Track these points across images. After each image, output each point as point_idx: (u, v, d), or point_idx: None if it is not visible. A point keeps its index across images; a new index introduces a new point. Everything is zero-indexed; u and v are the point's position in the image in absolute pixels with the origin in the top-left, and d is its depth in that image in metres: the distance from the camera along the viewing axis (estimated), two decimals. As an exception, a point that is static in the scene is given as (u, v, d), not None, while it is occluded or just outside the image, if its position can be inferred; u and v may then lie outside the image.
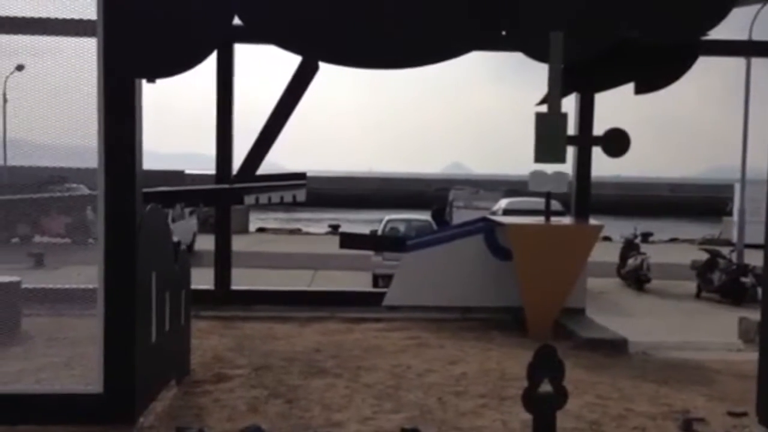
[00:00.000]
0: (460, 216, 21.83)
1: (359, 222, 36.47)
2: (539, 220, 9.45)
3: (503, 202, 21.53)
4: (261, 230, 28.30)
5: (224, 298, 9.45)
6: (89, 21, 5.50)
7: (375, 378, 6.70)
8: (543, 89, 8.60)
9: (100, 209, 5.31)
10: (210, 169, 10.01)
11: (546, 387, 5.26)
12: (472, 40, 5.38)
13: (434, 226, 18.96)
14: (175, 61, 5.28)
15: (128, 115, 5.27)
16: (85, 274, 8.79)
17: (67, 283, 8.28)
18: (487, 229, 9.52)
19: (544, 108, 7.30)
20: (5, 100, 6.98)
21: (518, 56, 8.01)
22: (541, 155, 5.44)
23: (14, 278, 7.64)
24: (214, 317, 8.82)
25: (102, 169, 5.30)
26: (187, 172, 43.24)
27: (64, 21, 6.45)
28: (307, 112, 9.62)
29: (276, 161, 10.25)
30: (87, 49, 6.00)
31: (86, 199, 9.71)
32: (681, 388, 6.65)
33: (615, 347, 8.13)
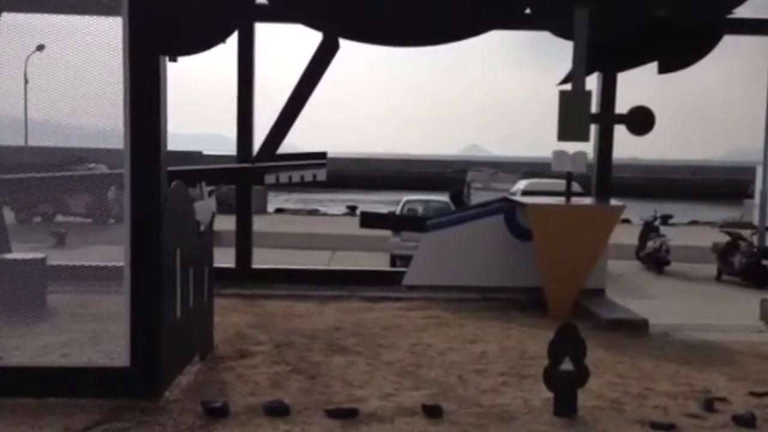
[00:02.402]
0: (478, 197, 21.80)
1: (377, 203, 36.50)
2: (560, 200, 9.43)
3: (522, 184, 21.44)
4: (279, 211, 28.40)
5: (245, 277, 9.53)
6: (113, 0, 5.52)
7: (395, 356, 6.75)
8: (561, 69, 8.57)
9: (126, 188, 5.36)
10: (228, 150, 10.07)
11: (567, 365, 5.30)
12: (496, 18, 5.36)
13: (452, 207, 18.96)
14: (199, 38, 5.31)
15: (154, 95, 5.30)
16: (107, 253, 8.92)
17: (90, 261, 8.43)
18: (508, 209, 9.51)
19: (567, 87, 7.28)
20: (26, 81, 7.02)
21: (536, 36, 7.96)
22: (564, 133, 5.41)
23: (39, 255, 7.74)
24: (235, 295, 8.91)
25: (128, 148, 5.33)
26: (206, 152, 43.45)
27: (87, 0, 6.47)
28: (325, 92, 9.60)
29: (293, 142, 10.26)
30: (108, 29, 6.03)
31: (108, 178, 9.81)
32: (702, 369, 6.64)
33: (635, 328, 8.13)
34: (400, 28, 5.30)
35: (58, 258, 8.48)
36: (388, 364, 6.49)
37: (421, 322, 8.12)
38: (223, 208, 21.49)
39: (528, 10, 5.64)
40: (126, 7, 5.26)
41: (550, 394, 5.37)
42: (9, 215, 9.75)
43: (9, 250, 8.09)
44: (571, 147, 8.70)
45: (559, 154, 8.48)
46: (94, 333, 6.60)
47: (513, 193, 18.58)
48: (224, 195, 22.75)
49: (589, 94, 5.62)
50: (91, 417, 5.00)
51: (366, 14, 5.24)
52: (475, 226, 9.51)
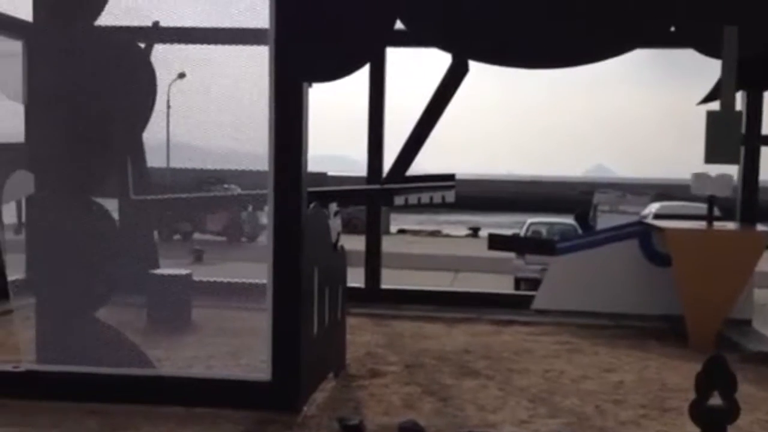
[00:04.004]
0: (605, 220, 21.19)
1: (497, 225, 36.13)
2: (701, 225, 8.99)
3: (654, 206, 20.61)
4: (402, 231, 28.78)
5: (374, 296, 9.67)
6: (259, 29, 5.79)
7: (528, 381, 6.63)
8: (688, 88, 8.26)
9: (269, 209, 5.60)
10: (351, 171, 10.27)
11: (715, 400, 5.01)
12: (640, 36, 5.20)
13: (579, 230, 18.53)
14: (341, 65, 5.50)
15: (297, 119, 5.53)
16: (241, 270, 9.28)
17: (226, 277, 8.84)
18: (643, 233, 9.18)
19: (710, 106, 6.96)
20: (168, 107, 7.49)
21: (666, 52, 7.66)
22: (712, 156, 5.18)
23: (186, 271, 8.20)
24: (364, 314, 9.03)
25: (272, 171, 5.57)
26: (330, 173, 44.57)
27: (236, 30, 6.83)
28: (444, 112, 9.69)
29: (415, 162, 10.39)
30: (248, 56, 6.36)
31: (245, 198, 10.28)
32: None
33: (787, 362, 7.57)
34: (540, 50, 5.26)
35: (197, 274, 8.95)
36: (520, 390, 6.39)
37: (553, 348, 7.94)
38: (347, 228, 22.02)
39: (673, 28, 5.45)
40: (273, 36, 5.53)
41: (695, 430, 5.08)
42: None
43: (158, 266, 8.62)
44: (714, 169, 8.30)
45: (700, 177, 8.11)
46: (235, 347, 6.91)
47: (644, 216, 17.92)
48: (350, 215, 23.32)
49: (740, 114, 5.36)
50: (236, 427, 5.22)
51: (508, 38, 5.24)
52: (608, 250, 9.23)
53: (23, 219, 7.43)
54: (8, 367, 5.91)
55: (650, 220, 11.42)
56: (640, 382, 6.72)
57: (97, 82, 5.87)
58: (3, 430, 5.10)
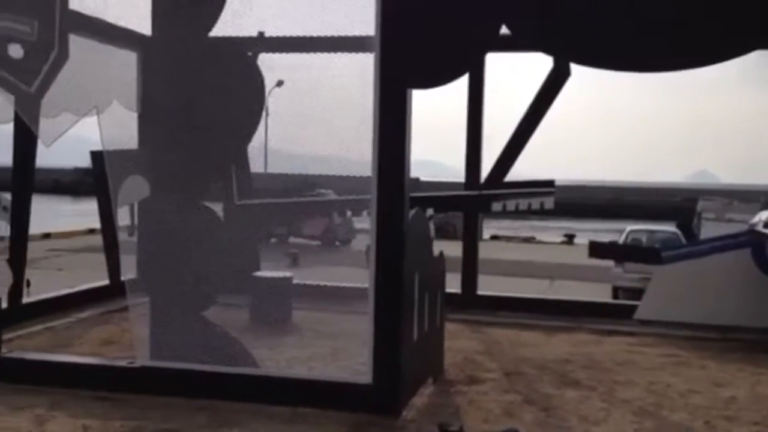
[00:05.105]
0: (709, 229, 20.31)
1: (594, 232, 35.18)
2: (819, 234, 8.49)
3: (763, 215, 19.57)
4: (495, 237, 28.49)
5: (470, 302, 9.62)
6: (364, 37, 5.88)
7: (632, 394, 6.44)
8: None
9: (372, 213, 5.66)
10: (444, 176, 10.23)
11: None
12: (750, 41, 4.94)
13: (682, 239, 17.86)
14: (446, 72, 5.51)
15: (400, 125, 5.57)
16: (335, 274, 9.41)
17: (321, 280, 9.00)
18: (756, 242, 8.74)
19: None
20: (267, 114, 7.69)
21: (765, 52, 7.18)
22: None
23: (287, 274, 8.40)
24: (461, 320, 8.99)
25: (375, 176, 5.64)
26: (422, 179, 44.59)
27: (341, 38, 6.94)
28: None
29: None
30: (351, 63, 6.46)
31: (345, 203, 10.42)
32: None
33: None
34: (653, 53, 5.09)
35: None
36: (625, 402, 6.21)
37: (657, 360, 7.67)
38: (439, 233, 22.02)
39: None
40: (378, 44, 5.59)
41: (817, 450, 4.82)
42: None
43: (259, 269, 8.86)
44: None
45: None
46: (333, 349, 7.03)
47: (753, 225, 17.06)
48: (441, 221, 23.29)
49: None
50: (339, 428, 5.31)
51: (617, 40, 5.12)
52: (717, 259, 8.83)
53: (136, 221, 7.80)
54: (124, 363, 6.23)
55: (761, 229, 10.88)
56: (753, 397, 6.40)
57: (209, 92, 6.11)
58: (120, 422, 5.37)
